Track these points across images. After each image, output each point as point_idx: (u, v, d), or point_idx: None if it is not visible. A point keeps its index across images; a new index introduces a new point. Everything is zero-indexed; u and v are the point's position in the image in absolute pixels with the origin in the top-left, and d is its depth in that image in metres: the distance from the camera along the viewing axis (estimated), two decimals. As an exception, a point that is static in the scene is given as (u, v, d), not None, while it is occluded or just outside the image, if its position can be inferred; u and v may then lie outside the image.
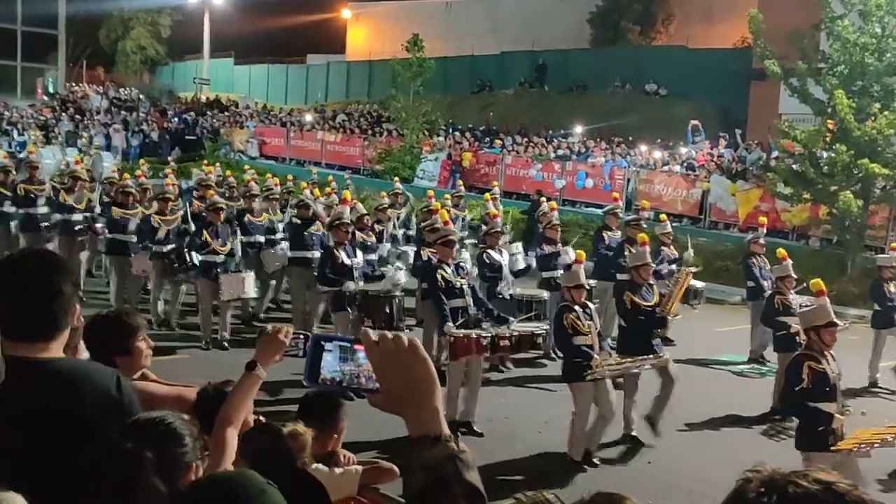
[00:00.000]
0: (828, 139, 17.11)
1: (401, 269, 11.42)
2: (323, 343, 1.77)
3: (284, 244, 12.79)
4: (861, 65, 16.94)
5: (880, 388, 11.25)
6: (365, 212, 13.17)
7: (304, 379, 1.77)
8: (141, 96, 40.37)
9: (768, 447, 8.94)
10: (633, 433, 8.67)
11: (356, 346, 1.74)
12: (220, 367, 10.18)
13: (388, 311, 9.97)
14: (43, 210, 13.68)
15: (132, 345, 3.53)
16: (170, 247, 12.02)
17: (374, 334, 1.66)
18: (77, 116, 34.44)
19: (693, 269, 10.74)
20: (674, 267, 12.65)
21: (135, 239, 12.42)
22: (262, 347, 3.08)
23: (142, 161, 19.17)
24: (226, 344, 11.38)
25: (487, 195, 15.49)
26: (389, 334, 1.65)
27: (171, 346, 10.72)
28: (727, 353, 12.57)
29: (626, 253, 11.45)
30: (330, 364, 1.76)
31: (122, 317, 3.65)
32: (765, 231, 13.58)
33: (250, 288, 11.57)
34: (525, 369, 11.00)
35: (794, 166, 17.73)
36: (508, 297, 11.20)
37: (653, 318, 8.72)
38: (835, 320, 6.70)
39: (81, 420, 2.50)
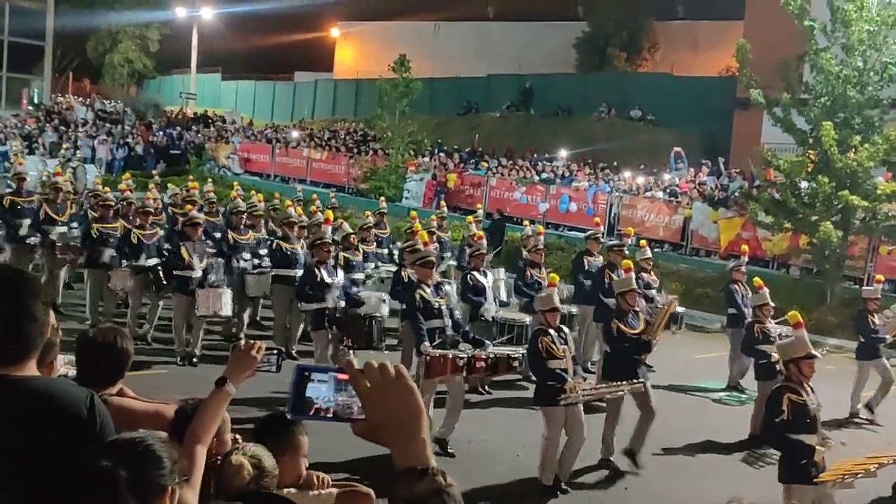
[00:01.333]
0: (810, 170, 17.28)
1: (384, 301, 11.38)
2: (307, 374, 1.73)
3: (267, 262, 12.71)
4: (843, 97, 17.16)
5: (861, 419, 11.30)
6: (351, 231, 13.15)
7: (287, 412, 1.74)
8: (126, 109, 40.22)
9: (747, 474, 8.96)
10: (611, 459, 8.66)
11: (339, 376, 1.70)
12: (197, 383, 10.10)
13: (367, 330, 9.94)
14: (27, 223, 13.55)
15: (124, 370, 3.53)
16: (152, 261, 11.91)
17: (357, 363, 1.64)
18: (61, 128, 34.26)
19: (676, 298, 10.81)
20: (653, 292, 12.73)
21: (114, 253, 12.24)
22: (233, 363, 3.06)
23: (126, 174, 19.01)
24: (195, 360, 11.24)
25: (470, 217, 15.51)
26: (375, 363, 1.63)
27: (148, 361, 10.64)
28: (706, 379, 12.61)
29: (608, 279, 11.51)
30: (317, 394, 1.72)
31: (118, 341, 3.62)
32: (746, 259, 13.66)
33: (227, 305, 11.38)
34: (505, 391, 10.98)
35: (775, 195, 17.88)
36: (490, 320, 11.21)
37: (639, 344, 8.72)
38: (813, 352, 6.74)
39: (50, 439, 2.47)
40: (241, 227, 13.15)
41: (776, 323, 10.55)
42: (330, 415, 1.72)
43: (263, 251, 13.09)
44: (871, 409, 11.27)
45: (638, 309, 9.18)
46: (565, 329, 8.47)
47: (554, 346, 7.92)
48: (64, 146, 30.66)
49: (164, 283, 11.64)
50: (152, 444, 2.45)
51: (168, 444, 2.63)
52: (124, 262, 12.03)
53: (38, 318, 2.53)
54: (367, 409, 1.62)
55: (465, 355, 8.43)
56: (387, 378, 1.61)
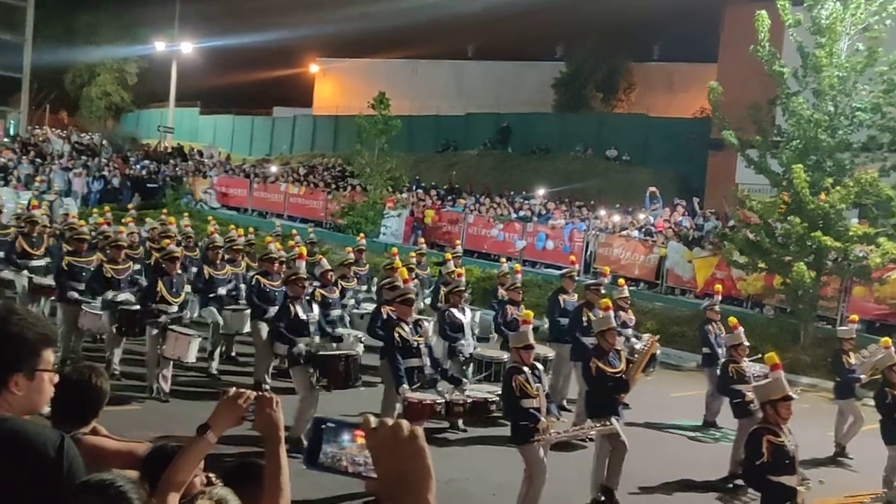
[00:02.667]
0: (783, 210, 17.52)
1: (361, 341, 11.34)
2: (324, 426, 1.75)
3: (243, 302, 12.62)
4: (815, 140, 17.45)
5: (846, 457, 11.34)
6: (329, 267, 13.11)
7: (303, 462, 1.75)
8: (104, 142, 40.11)
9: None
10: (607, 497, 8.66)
11: (356, 432, 1.72)
12: (169, 419, 10.02)
13: (343, 369, 9.85)
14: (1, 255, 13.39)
15: (99, 409, 3.49)
16: (123, 296, 11.73)
17: (374, 421, 1.65)
18: (37, 160, 34.07)
19: (656, 337, 10.88)
20: (630, 332, 12.79)
21: (81, 288, 11.95)
22: (219, 412, 2.98)
23: (106, 208, 18.88)
24: (166, 397, 11.01)
25: (448, 254, 15.54)
26: (389, 421, 1.64)
27: (122, 397, 10.49)
28: (682, 417, 12.65)
29: (585, 317, 11.54)
30: (332, 448, 1.74)
31: (94, 379, 3.58)
32: (720, 298, 13.78)
33: (193, 354, 11.02)
34: (481, 429, 10.90)
35: (750, 236, 18.08)
36: (468, 357, 11.21)
37: (619, 384, 8.73)
38: (790, 394, 6.79)
39: (13, 480, 2.45)
40: (218, 262, 13.08)
41: (751, 361, 10.63)
42: (343, 469, 1.73)
43: (241, 286, 13.02)
44: (843, 449, 11.37)
45: (619, 348, 9.21)
46: (539, 367, 8.44)
47: (527, 385, 7.87)
48: (38, 178, 30.48)
49: (136, 330, 11.44)
50: (122, 486, 2.43)
51: (138, 485, 2.60)
52: (95, 298, 11.75)
53: (20, 351, 2.52)
54: (376, 465, 1.63)
55: (443, 400, 8.42)
56: (399, 437, 1.61)
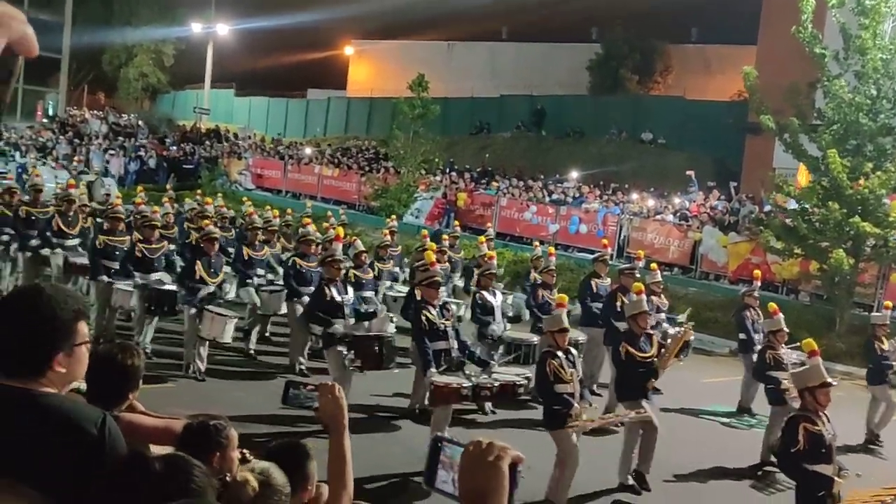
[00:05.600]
0: (821, 196, 17.26)
1: (392, 320, 11.38)
2: (441, 445, 1.86)
3: (280, 283, 12.69)
4: (856, 124, 17.16)
5: (878, 444, 11.25)
6: (363, 249, 13.13)
7: (423, 482, 1.89)
8: (140, 123, 40.50)
9: (757, 500, 8.91)
10: (630, 482, 8.64)
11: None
12: (205, 397, 10.15)
13: (377, 351, 9.90)
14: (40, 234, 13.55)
15: (134, 387, 3.53)
16: (155, 277, 11.75)
17: (475, 442, 1.79)
18: (75, 140, 34.51)
19: (691, 324, 10.80)
20: (662, 316, 12.71)
21: (117, 266, 12.03)
22: (323, 416, 3.08)
23: (139, 188, 19.09)
24: (202, 376, 11.12)
25: (482, 237, 15.53)
26: (484, 441, 1.78)
27: (157, 375, 10.64)
28: (714, 403, 12.56)
29: (619, 302, 11.48)
30: (444, 467, 1.87)
31: (127, 357, 3.62)
32: (759, 284, 13.64)
33: (229, 335, 11.15)
34: (511, 412, 10.91)
35: (786, 221, 17.86)
36: (498, 339, 11.21)
37: (649, 369, 8.68)
38: (829, 380, 6.69)
39: (58, 457, 2.49)
40: (256, 242, 13.17)
41: (788, 349, 10.52)
42: (451, 492, 1.85)
43: (279, 272, 13.10)
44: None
45: (651, 332, 9.15)
46: (573, 351, 8.42)
47: (562, 370, 7.86)
48: (76, 159, 30.89)
49: (170, 309, 11.53)
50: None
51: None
52: (126, 278, 11.82)
53: (57, 332, 2.56)
54: (460, 480, 1.78)
55: (470, 384, 8.40)
56: (484, 455, 1.75)
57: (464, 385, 8.36)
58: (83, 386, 3.64)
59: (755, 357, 11.06)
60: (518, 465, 1.83)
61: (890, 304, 13.26)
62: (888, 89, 17.24)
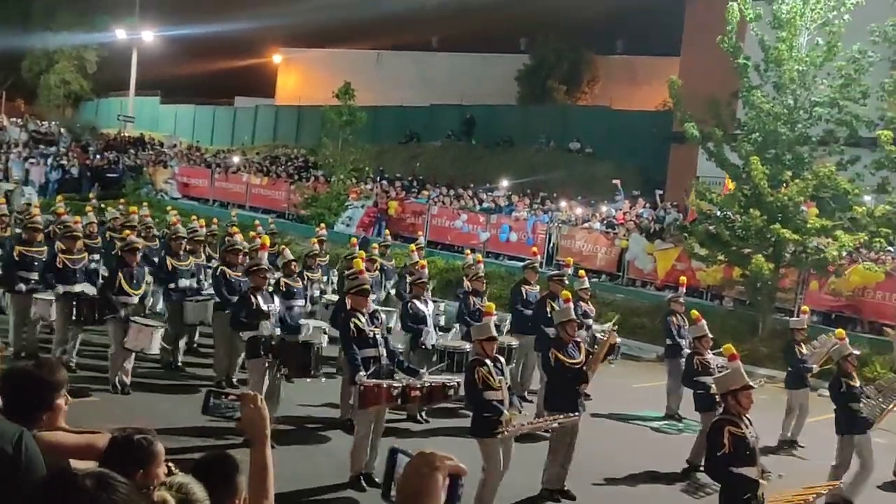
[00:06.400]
0: (742, 203, 17.71)
1: (325, 332, 11.28)
2: (395, 456, 1.96)
3: (209, 292, 12.47)
4: (774, 133, 17.67)
5: (796, 445, 11.55)
6: (292, 258, 13.01)
7: (381, 496, 1.94)
8: (62, 130, 39.42)
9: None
10: (566, 489, 8.70)
11: None
12: (129, 410, 9.91)
13: (304, 358, 9.77)
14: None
15: (52, 401, 3.39)
16: (79, 287, 11.51)
17: (419, 454, 1.91)
18: (-7, 148, 33.41)
19: (615, 329, 10.96)
20: (590, 322, 12.91)
21: (36, 277, 11.76)
22: (247, 429, 3.02)
23: (61, 197, 18.53)
24: (127, 389, 10.89)
25: (413, 245, 15.54)
26: (428, 451, 1.90)
27: (80, 388, 10.33)
28: (645, 408, 12.75)
29: (549, 309, 11.59)
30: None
31: (44, 372, 3.49)
32: (684, 290, 13.93)
33: (156, 345, 10.94)
34: (444, 419, 10.92)
35: (710, 228, 18.27)
36: (431, 348, 11.21)
37: (578, 375, 8.76)
38: (750, 383, 6.82)
39: None
40: (181, 252, 12.91)
41: (714, 354, 10.74)
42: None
43: (203, 277, 12.87)
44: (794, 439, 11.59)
45: (578, 339, 9.25)
46: (501, 359, 8.43)
47: (490, 377, 7.86)
48: (-4, 168, 29.95)
49: (96, 317, 11.25)
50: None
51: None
52: (47, 288, 11.55)
53: None
54: (397, 488, 1.90)
55: (400, 384, 8.36)
56: (423, 464, 1.87)
57: (393, 385, 8.30)
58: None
59: (682, 362, 11.26)
60: (460, 477, 1.84)
61: (807, 309, 13.69)
62: (804, 100, 17.81)
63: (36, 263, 11.92)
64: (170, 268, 12.61)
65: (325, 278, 14.65)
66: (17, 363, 3.55)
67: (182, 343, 12.73)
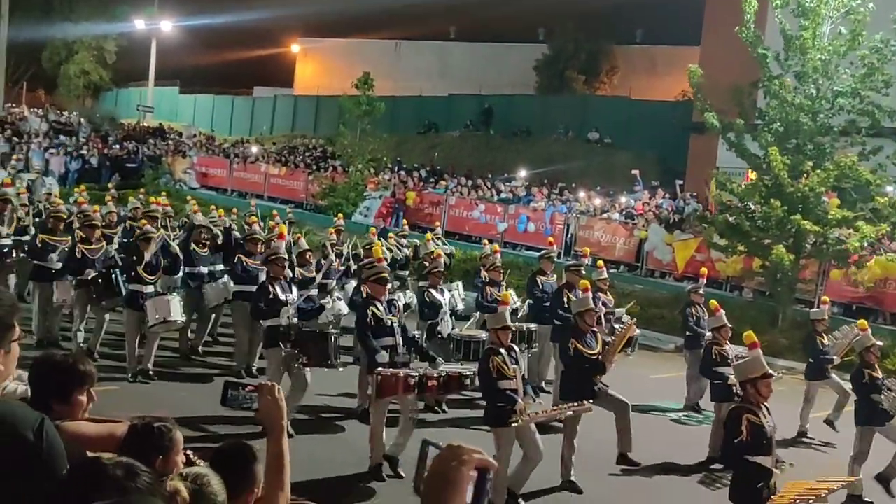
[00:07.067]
0: (763, 194, 17.58)
1: (340, 299, 11.29)
2: (427, 449, 1.97)
3: (226, 277, 12.52)
4: (796, 123, 17.51)
5: (809, 438, 11.48)
6: (308, 248, 13.02)
7: (413, 489, 2.01)
8: (82, 121, 39.65)
9: (704, 496, 9.02)
10: (572, 479, 8.66)
11: None
12: (149, 400, 9.97)
13: (323, 348, 9.79)
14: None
15: (72, 395, 3.39)
16: (93, 274, 11.58)
17: (447, 446, 1.91)
18: (14, 138, 33.63)
19: (633, 320, 10.90)
20: (613, 310, 12.84)
21: (60, 266, 11.94)
22: (264, 420, 3.05)
23: (81, 187, 18.65)
24: (151, 373, 11.02)
25: (429, 234, 15.52)
26: (456, 444, 1.90)
27: (102, 377, 10.40)
28: (662, 399, 12.69)
29: (566, 298, 11.55)
30: None
31: (71, 363, 3.49)
32: (705, 281, 13.84)
33: (177, 311, 11.04)
34: (462, 410, 10.92)
35: (730, 219, 18.15)
36: (447, 337, 11.21)
37: (596, 365, 8.73)
38: (769, 371, 6.76)
39: None
40: (201, 241, 12.96)
41: (732, 345, 10.68)
42: None
43: (221, 266, 12.92)
44: (833, 426, 11.44)
45: (596, 329, 9.22)
46: (516, 348, 8.42)
47: (505, 367, 7.84)
48: (14, 157, 30.10)
49: (108, 292, 11.36)
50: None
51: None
52: (68, 276, 11.74)
53: None
54: (424, 481, 1.91)
55: (417, 374, 8.35)
56: (450, 457, 1.88)
57: (410, 375, 8.30)
58: (20, 388, 3.52)
59: (702, 353, 11.21)
60: (488, 471, 1.83)
61: (828, 300, 13.55)
62: (826, 90, 17.63)
63: (59, 252, 12.08)
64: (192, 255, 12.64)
65: (342, 268, 14.66)
66: (44, 351, 3.56)
67: (202, 330, 12.79)
